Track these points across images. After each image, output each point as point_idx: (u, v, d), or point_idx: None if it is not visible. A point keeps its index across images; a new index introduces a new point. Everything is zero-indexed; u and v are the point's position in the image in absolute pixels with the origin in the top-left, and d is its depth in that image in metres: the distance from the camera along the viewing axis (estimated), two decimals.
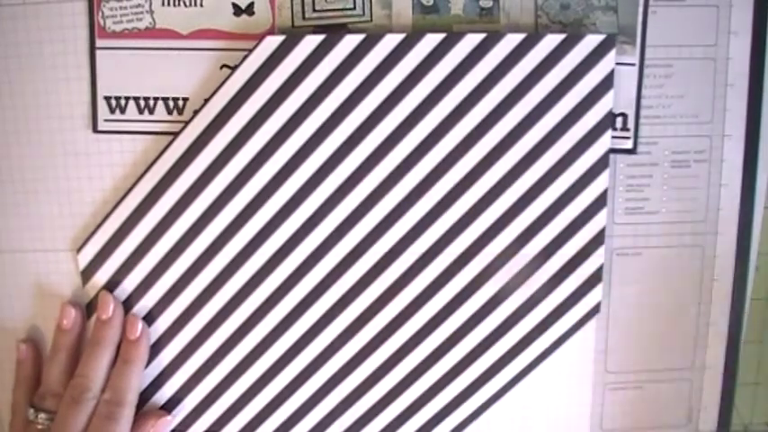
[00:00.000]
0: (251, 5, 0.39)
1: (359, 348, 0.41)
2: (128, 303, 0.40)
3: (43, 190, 0.40)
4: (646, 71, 0.39)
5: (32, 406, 0.39)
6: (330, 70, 0.38)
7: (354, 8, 0.38)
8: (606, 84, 0.38)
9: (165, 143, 0.39)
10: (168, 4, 0.38)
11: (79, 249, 0.40)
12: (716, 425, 0.43)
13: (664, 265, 0.41)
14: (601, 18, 0.39)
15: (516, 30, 0.39)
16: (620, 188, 0.40)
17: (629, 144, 0.40)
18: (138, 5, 0.38)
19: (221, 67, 0.39)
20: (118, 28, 0.39)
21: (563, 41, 0.37)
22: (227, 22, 0.39)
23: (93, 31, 0.39)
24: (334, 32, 0.38)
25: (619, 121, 0.39)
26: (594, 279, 0.40)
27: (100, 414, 0.38)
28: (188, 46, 0.39)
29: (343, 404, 0.41)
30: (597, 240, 0.39)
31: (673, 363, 0.42)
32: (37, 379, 0.40)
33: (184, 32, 0.39)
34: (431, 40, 0.37)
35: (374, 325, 0.41)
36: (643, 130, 0.40)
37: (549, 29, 0.39)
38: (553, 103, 0.38)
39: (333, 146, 0.39)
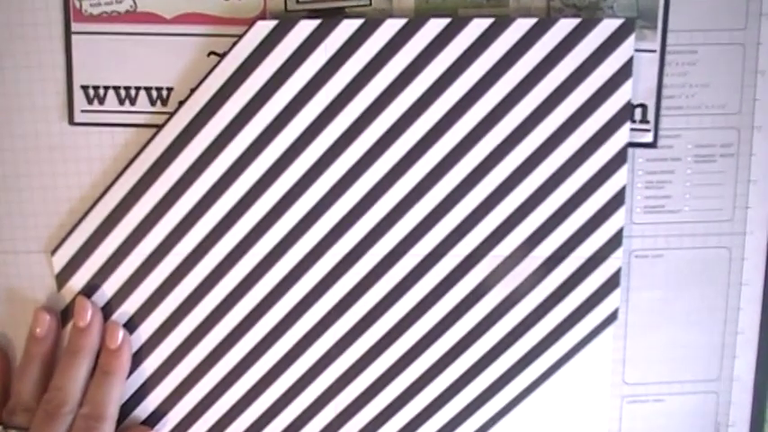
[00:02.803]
0: None
1: (356, 359, 0.40)
2: (107, 309, 0.40)
3: (15, 187, 0.40)
4: (668, 58, 0.39)
5: (1, 422, 0.38)
6: (326, 58, 0.38)
7: None
8: (624, 72, 0.37)
9: (148, 136, 0.39)
10: None
11: (54, 251, 0.40)
12: None
13: (687, 269, 0.41)
14: (619, 0, 0.38)
15: (527, 14, 0.38)
16: (640, 185, 0.40)
17: (648, 137, 0.39)
18: None
19: (209, 55, 0.39)
20: (96, 11, 0.38)
21: (577, 26, 0.37)
22: (215, 5, 0.38)
23: (69, 13, 0.39)
24: (330, 17, 0.38)
25: (638, 112, 0.39)
26: (612, 283, 0.39)
27: (77, 429, 0.37)
28: (172, 31, 0.39)
29: (341, 418, 0.41)
30: (614, 241, 0.39)
31: (697, 374, 0.42)
32: (6, 392, 0.40)
33: (168, 16, 0.39)
34: (434, 26, 0.37)
35: (374, 332, 0.40)
36: (664, 122, 0.40)
37: (562, 13, 0.39)
38: (567, 93, 0.38)
39: (329, 140, 0.38)
